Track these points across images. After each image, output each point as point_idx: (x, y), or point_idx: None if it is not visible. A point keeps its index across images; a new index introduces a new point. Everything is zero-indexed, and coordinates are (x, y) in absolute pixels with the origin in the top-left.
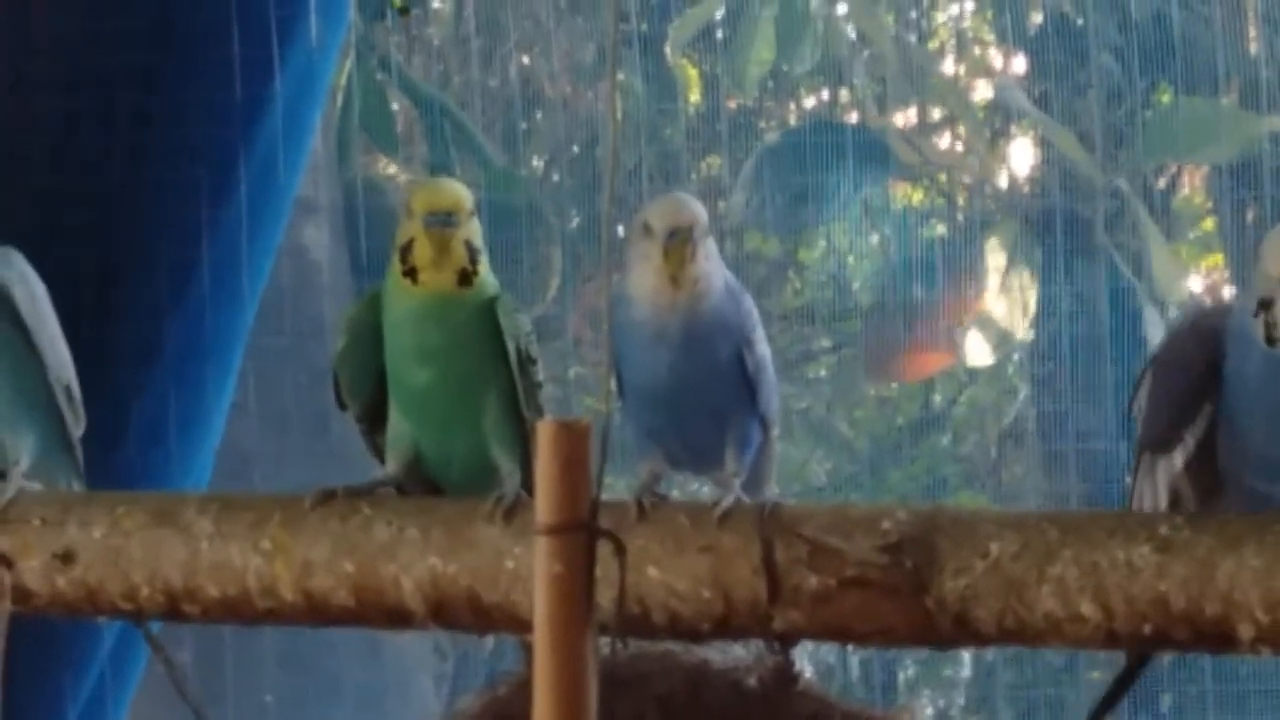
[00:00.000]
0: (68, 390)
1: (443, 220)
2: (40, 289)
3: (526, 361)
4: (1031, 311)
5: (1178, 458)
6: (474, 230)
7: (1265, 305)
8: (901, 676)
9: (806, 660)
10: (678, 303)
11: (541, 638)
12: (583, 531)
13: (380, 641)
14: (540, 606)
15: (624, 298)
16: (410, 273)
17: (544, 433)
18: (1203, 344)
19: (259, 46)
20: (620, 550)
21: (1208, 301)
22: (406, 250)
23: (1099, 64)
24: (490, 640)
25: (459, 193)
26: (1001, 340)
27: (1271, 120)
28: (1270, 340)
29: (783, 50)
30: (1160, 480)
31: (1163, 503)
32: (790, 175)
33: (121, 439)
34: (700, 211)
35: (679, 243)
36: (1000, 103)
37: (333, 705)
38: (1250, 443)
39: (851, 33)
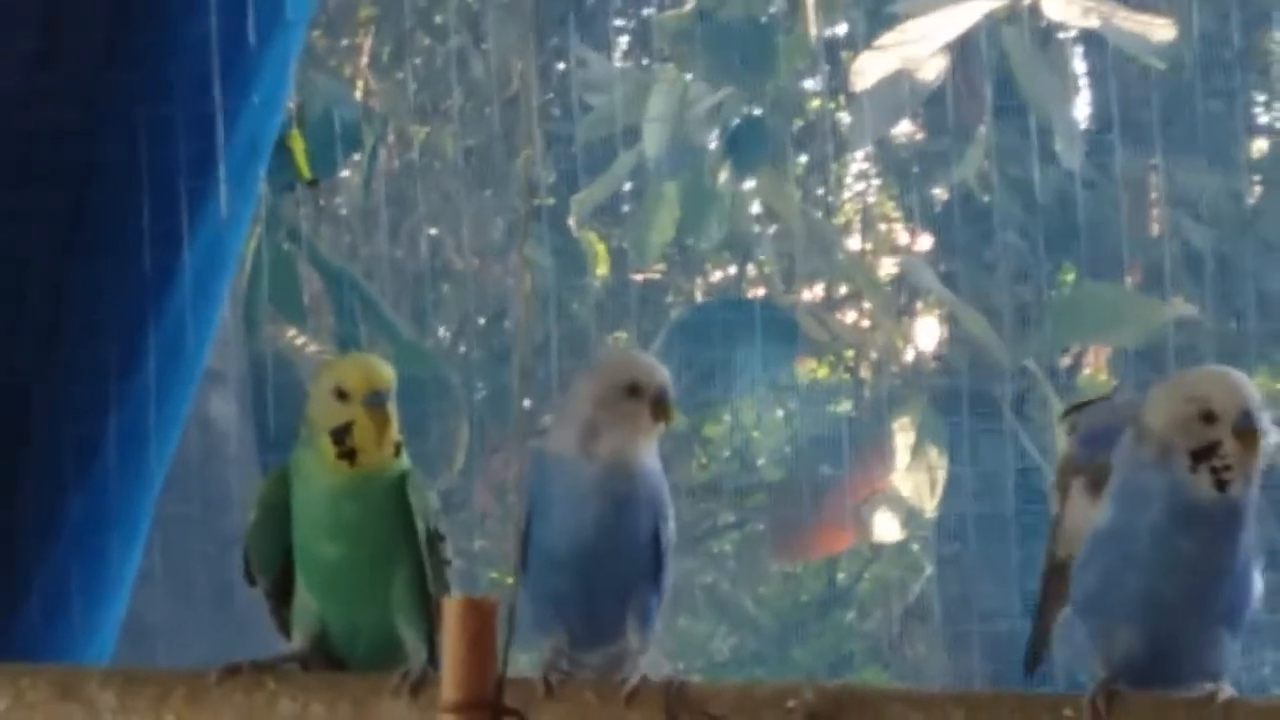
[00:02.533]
0: None
1: (383, 399)
2: None
3: (435, 539)
4: (939, 489)
5: None
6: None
7: (1203, 454)
8: None
9: None
10: (637, 462)
11: None
12: (488, 710)
13: None
14: None
15: (569, 454)
16: (348, 455)
17: (450, 610)
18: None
19: (168, 218)
20: None
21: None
22: (343, 433)
23: (1005, 243)
24: None
25: (388, 369)
26: (909, 518)
27: (1175, 304)
28: (1221, 485)
29: (688, 224)
30: None
31: None
32: (697, 350)
33: (24, 608)
34: None
35: (673, 399)
36: (906, 280)
37: None
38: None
39: (757, 207)
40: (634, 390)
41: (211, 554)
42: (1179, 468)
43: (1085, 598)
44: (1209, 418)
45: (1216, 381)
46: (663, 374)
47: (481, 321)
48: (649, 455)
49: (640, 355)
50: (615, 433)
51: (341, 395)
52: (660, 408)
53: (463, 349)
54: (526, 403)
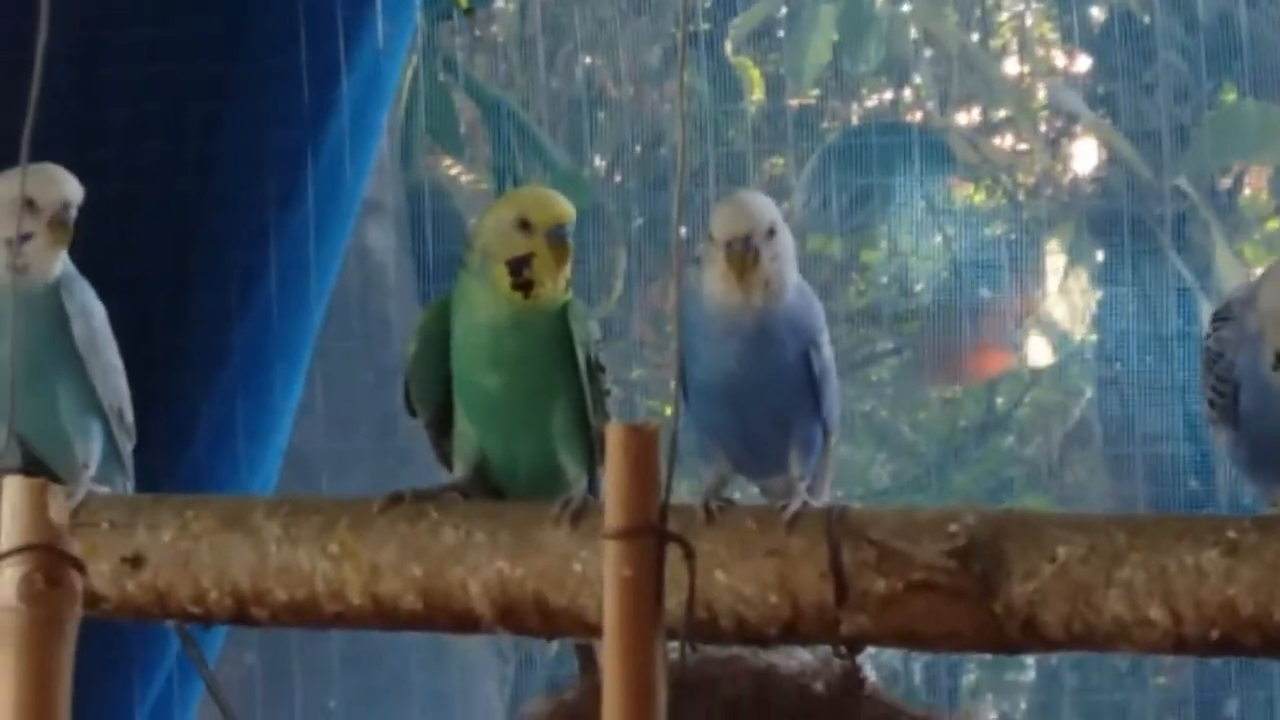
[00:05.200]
0: (119, 413)
1: (566, 233)
2: (98, 319)
3: (595, 369)
4: (1094, 312)
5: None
6: None
7: None
8: (965, 681)
9: (870, 664)
10: (747, 303)
11: (611, 642)
12: (652, 536)
13: (446, 645)
14: (610, 611)
15: (697, 294)
16: (524, 286)
17: (613, 436)
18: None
19: (326, 50)
20: (689, 555)
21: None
22: (522, 264)
23: (1165, 63)
24: (554, 644)
25: (570, 205)
26: (1063, 341)
27: None
28: None
29: (845, 48)
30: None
31: None
32: (852, 175)
33: (190, 442)
34: (761, 216)
35: (738, 252)
36: (1055, 105)
37: (399, 708)
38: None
39: (915, 31)
40: (712, 237)
41: (372, 385)
42: (1265, 353)
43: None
44: None
45: None
46: (736, 225)
47: (638, 149)
48: (774, 289)
49: (734, 202)
50: (712, 277)
51: (524, 226)
52: (728, 258)
53: (619, 177)
54: (683, 230)
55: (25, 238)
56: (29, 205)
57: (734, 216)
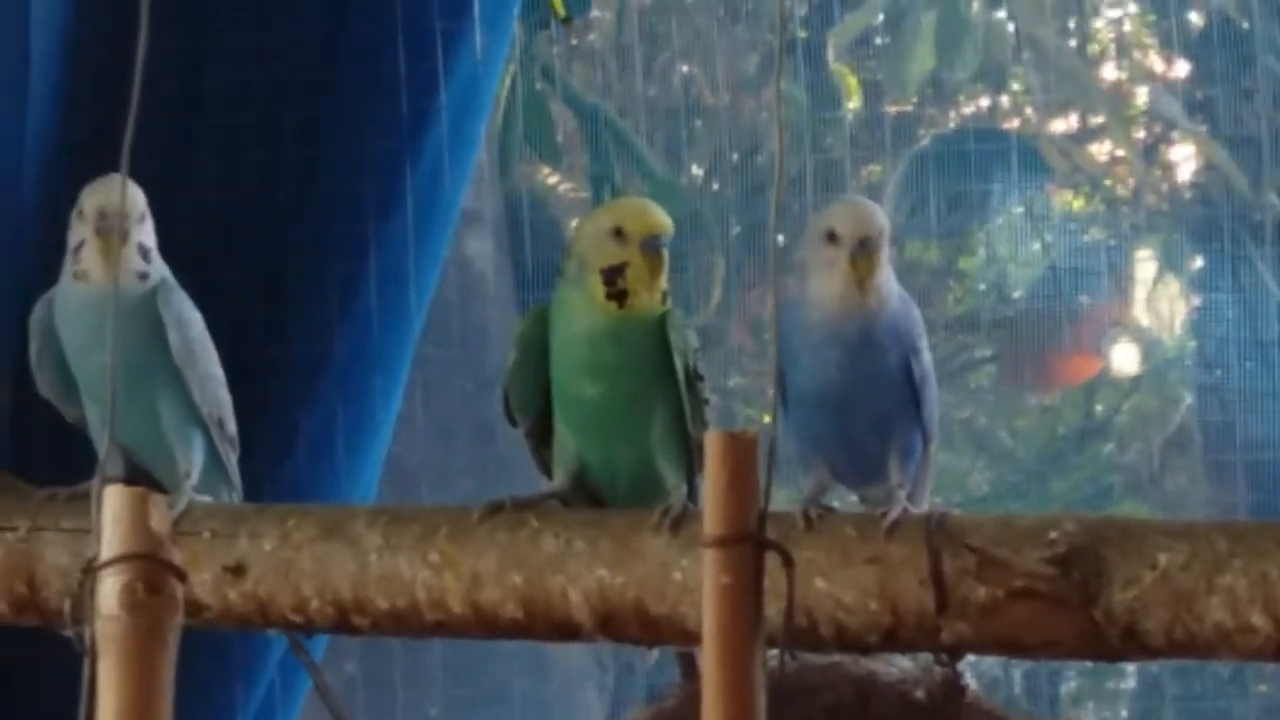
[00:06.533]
0: (220, 422)
1: (660, 245)
2: (195, 329)
3: (694, 378)
4: (1193, 319)
5: None
6: None
7: None
8: (1065, 688)
9: (970, 672)
10: (857, 308)
11: (710, 650)
12: (751, 543)
13: (546, 653)
14: (709, 619)
15: (798, 301)
16: (618, 295)
17: (712, 444)
18: None
19: (424, 59)
20: (788, 562)
21: None
22: (616, 274)
23: (1264, 68)
24: (654, 652)
25: (667, 217)
26: (1162, 348)
27: None
28: None
29: (943, 56)
30: None
31: None
32: (947, 181)
33: (290, 451)
34: (884, 219)
35: (867, 253)
36: (1154, 110)
37: (500, 717)
38: None
39: (1013, 38)
40: (832, 237)
41: (470, 393)
42: None
43: None
44: None
45: None
46: (868, 225)
47: (735, 157)
48: (883, 295)
49: (856, 203)
50: (827, 279)
51: (619, 236)
52: (854, 260)
53: (716, 185)
54: (781, 238)
55: (80, 245)
56: (79, 214)
57: (863, 217)
